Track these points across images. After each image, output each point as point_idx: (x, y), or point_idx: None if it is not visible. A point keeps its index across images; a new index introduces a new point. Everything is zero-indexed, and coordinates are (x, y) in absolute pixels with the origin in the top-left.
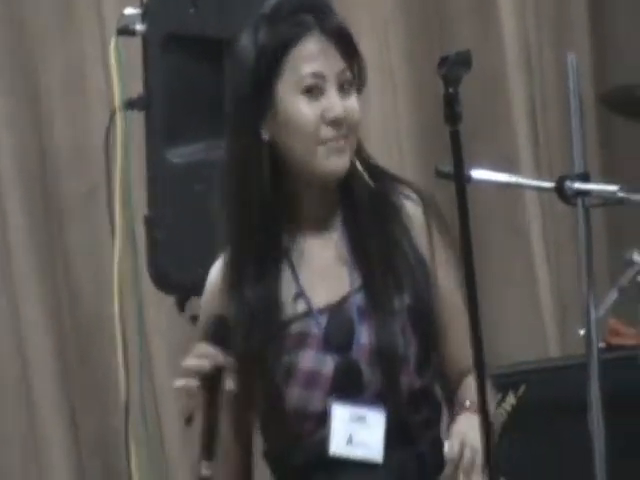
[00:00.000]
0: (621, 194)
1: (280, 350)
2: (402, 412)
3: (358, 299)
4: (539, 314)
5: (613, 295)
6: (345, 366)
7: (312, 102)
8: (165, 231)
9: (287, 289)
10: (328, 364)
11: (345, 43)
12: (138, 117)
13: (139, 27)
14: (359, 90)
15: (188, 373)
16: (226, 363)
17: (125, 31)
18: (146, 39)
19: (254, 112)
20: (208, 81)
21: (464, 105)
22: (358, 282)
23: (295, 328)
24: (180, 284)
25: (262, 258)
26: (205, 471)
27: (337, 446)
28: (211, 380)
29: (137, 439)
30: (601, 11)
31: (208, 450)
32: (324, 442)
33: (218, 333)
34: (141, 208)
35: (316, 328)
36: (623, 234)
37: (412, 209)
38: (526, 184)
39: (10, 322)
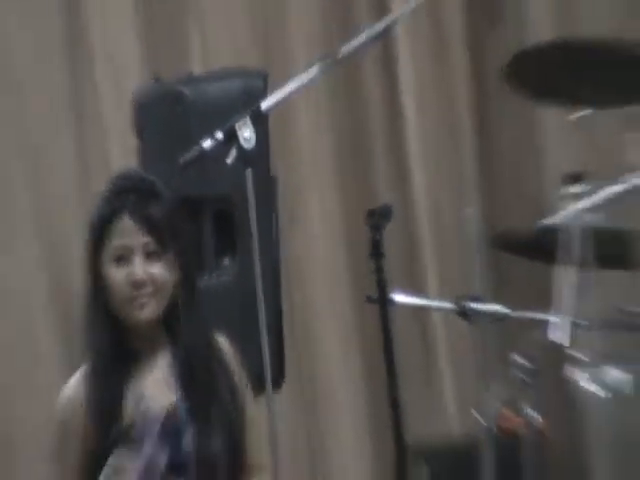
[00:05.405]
0: (504, 311)
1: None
2: None
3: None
4: (445, 409)
5: (501, 389)
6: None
7: (120, 268)
8: None
9: (131, 395)
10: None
11: (150, 225)
12: None
13: None
14: (166, 253)
15: None
16: None
17: None
18: None
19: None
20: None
21: (387, 251)
22: (183, 399)
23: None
24: None
25: (112, 373)
26: None
27: None
28: None
29: None
30: (490, 171)
31: None
32: None
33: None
34: None
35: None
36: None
37: (224, 343)
38: (434, 306)
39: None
